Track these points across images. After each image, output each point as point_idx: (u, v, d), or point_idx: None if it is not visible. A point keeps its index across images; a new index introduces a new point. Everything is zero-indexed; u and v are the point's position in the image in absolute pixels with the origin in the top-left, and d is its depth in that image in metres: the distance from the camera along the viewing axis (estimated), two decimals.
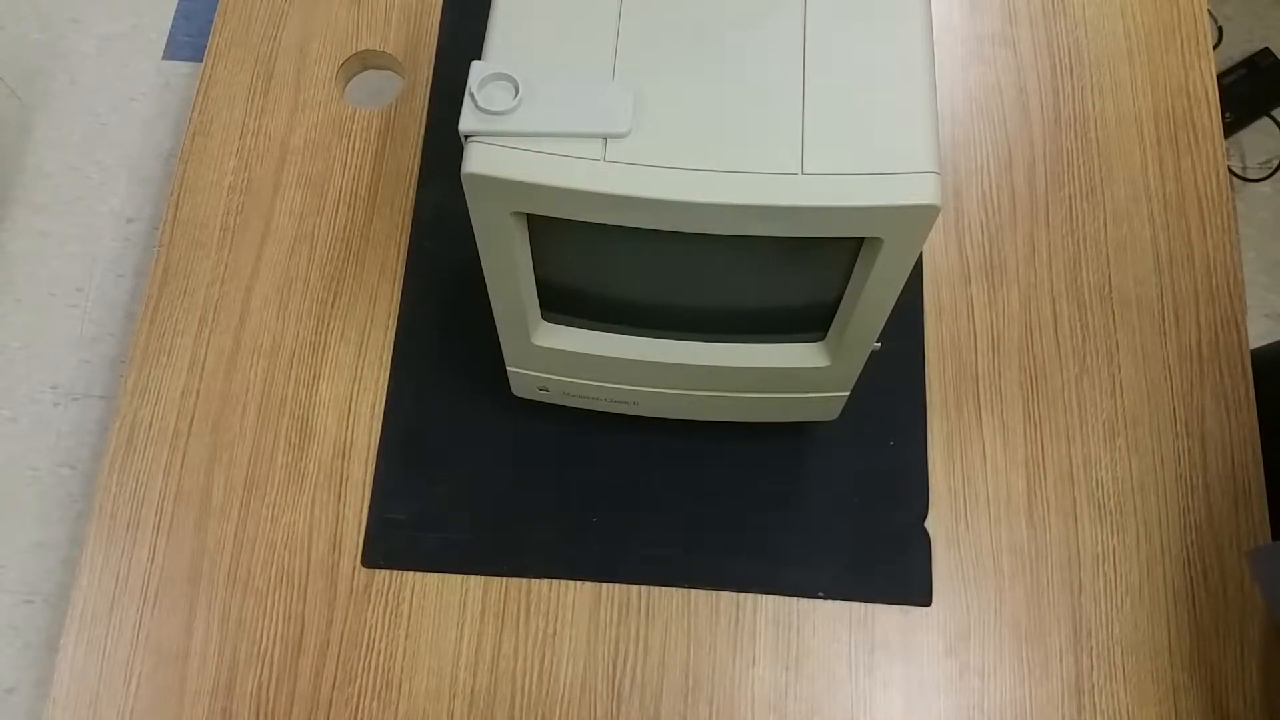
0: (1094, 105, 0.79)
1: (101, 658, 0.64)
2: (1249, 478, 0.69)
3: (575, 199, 0.43)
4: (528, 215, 0.47)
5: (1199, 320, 0.73)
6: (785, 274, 0.51)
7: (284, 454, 0.69)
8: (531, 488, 0.68)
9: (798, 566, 0.66)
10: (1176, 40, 0.81)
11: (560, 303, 0.55)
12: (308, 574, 0.66)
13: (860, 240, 0.47)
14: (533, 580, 0.66)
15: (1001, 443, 0.70)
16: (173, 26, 1.59)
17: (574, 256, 0.51)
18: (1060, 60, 0.80)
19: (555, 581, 0.66)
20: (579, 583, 0.66)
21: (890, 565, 0.67)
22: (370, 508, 0.67)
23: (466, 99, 0.43)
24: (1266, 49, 1.56)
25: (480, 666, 0.64)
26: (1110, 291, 0.74)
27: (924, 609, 0.66)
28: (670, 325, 0.56)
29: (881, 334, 0.54)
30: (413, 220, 0.74)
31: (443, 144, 0.77)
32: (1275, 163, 1.51)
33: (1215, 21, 1.58)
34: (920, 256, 0.74)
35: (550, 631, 0.65)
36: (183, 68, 1.56)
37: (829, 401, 0.62)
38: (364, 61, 0.81)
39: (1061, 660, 0.65)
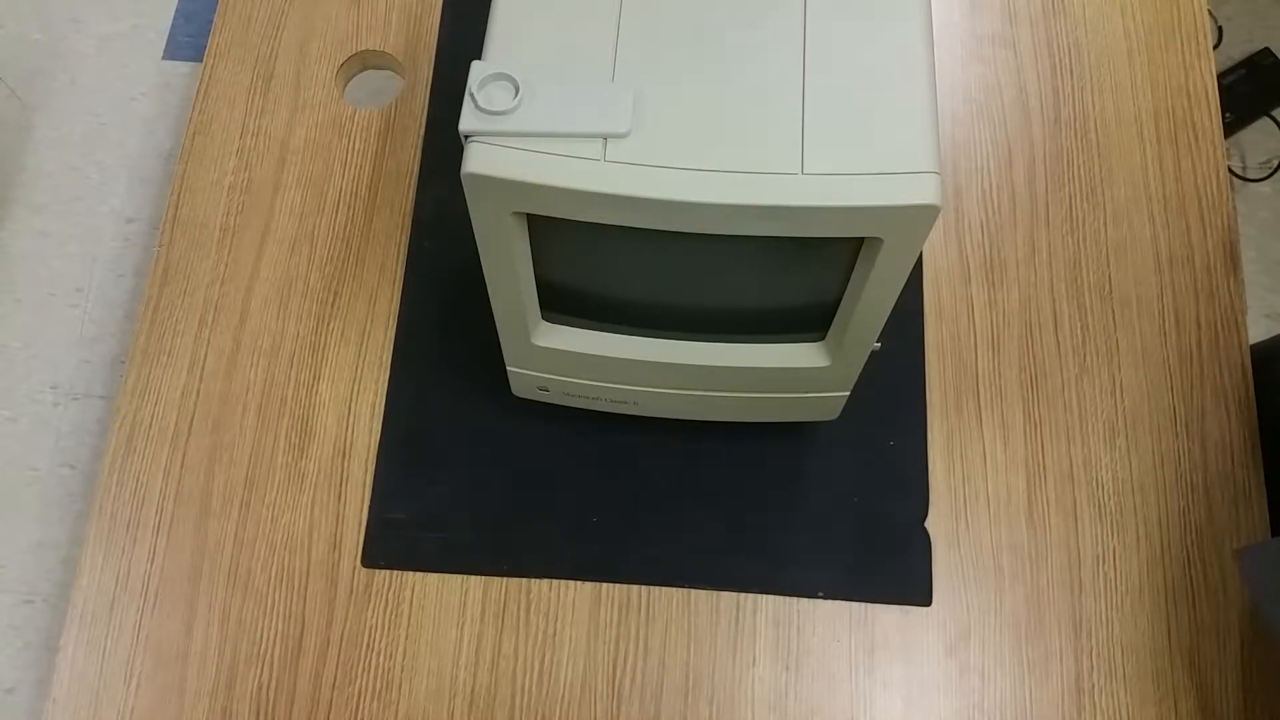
0: (1094, 105, 0.79)
1: (101, 658, 0.64)
2: (1249, 478, 0.69)
3: (575, 199, 0.43)
4: (528, 215, 0.47)
5: (1199, 320, 0.73)
6: (785, 274, 0.51)
7: (284, 454, 0.69)
8: (531, 488, 0.68)
9: (798, 566, 0.66)
10: (1176, 40, 0.81)
11: (560, 303, 0.55)
12: (308, 574, 0.66)
13: (860, 240, 0.47)
14: (533, 580, 0.66)
15: (1001, 443, 0.70)
16: (173, 26, 1.59)
17: (574, 257, 0.51)
18: (1060, 60, 0.80)
19: (555, 581, 0.66)
20: (579, 583, 0.66)
21: (890, 565, 0.67)
22: (370, 508, 0.67)
23: (466, 99, 0.43)
24: (1266, 49, 1.56)
25: (480, 666, 0.64)
26: (1110, 291, 0.74)
27: (924, 609, 0.66)
28: (670, 325, 0.56)
29: (881, 334, 0.54)
30: (413, 220, 0.74)
31: (443, 144, 0.77)
32: (1275, 163, 1.51)
33: (1215, 21, 1.58)
34: (920, 256, 0.74)
35: (550, 631, 0.65)
36: (183, 68, 1.56)
37: (829, 401, 0.62)
38: (364, 61, 0.81)
39: (1061, 660, 0.65)
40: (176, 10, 1.59)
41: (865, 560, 0.67)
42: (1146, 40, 0.81)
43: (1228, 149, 1.50)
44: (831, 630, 0.65)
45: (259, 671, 0.64)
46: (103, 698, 0.63)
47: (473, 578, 0.66)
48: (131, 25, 1.58)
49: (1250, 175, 1.51)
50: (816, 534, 0.67)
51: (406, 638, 0.65)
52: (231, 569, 0.66)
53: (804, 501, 0.68)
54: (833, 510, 0.68)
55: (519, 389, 0.64)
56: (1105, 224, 0.76)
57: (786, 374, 0.58)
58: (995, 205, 0.76)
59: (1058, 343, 0.72)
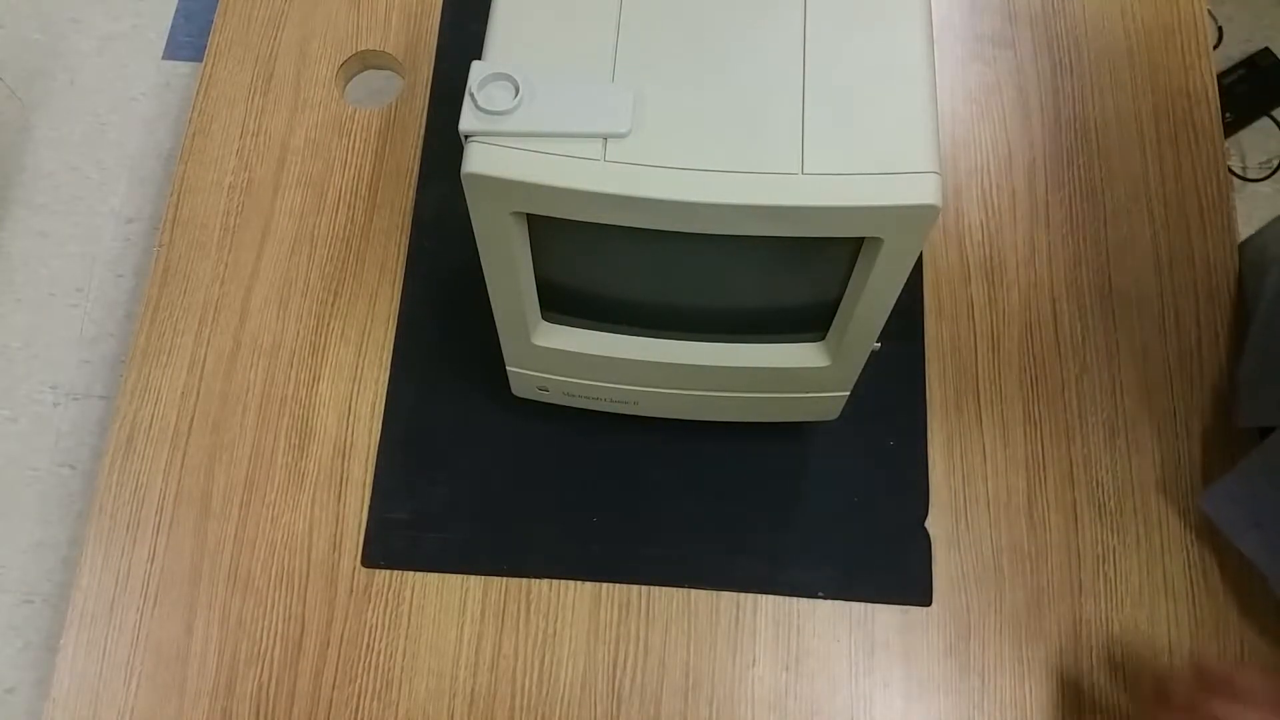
0: (1094, 105, 0.79)
1: (101, 658, 0.64)
2: None
3: (575, 199, 0.43)
4: (528, 215, 0.47)
5: (1199, 320, 0.73)
6: (785, 274, 0.51)
7: (284, 454, 0.69)
8: (531, 488, 0.68)
9: (798, 566, 0.66)
10: (1176, 40, 0.81)
11: (560, 303, 0.55)
12: (308, 574, 0.66)
13: (860, 240, 0.47)
14: (533, 580, 0.66)
15: (1001, 443, 0.70)
16: (173, 26, 1.59)
17: (574, 256, 0.51)
18: (1060, 60, 0.80)
19: (555, 581, 0.66)
20: (579, 583, 0.66)
21: (890, 565, 0.67)
22: (370, 508, 0.67)
23: (466, 99, 0.43)
24: (1266, 49, 1.56)
25: (480, 666, 0.64)
26: (1110, 291, 0.74)
27: (924, 609, 0.66)
28: (670, 325, 0.56)
29: (881, 334, 0.54)
30: (413, 220, 0.74)
31: (443, 144, 0.76)
32: (1275, 163, 1.51)
33: (1215, 21, 1.58)
34: (920, 256, 0.74)
35: (550, 631, 0.65)
36: (183, 68, 1.56)
37: (829, 401, 0.62)
38: (364, 61, 0.81)
39: (1061, 660, 0.65)
40: (176, 10, 1.59)
41: (865, 560, 0.67)
42: (1146, 40, 0.81)
43: (1228, 149, 1.50)
44: (831, 630, 0.65)
45: (259, 671, 0.64)
46: (103, 698, 0.63)
47: (473, 578, 0.66)
48: (131, 25, 1.58)
49: (1250, 175, 1.51)
50: (816, 534, 0.67)
51: (406, 637, 0.65)
52: (231, 569, 0.66)
53: (804, 501, 0.68)
54: (833, 510, 0.68)
55: (519, 389, 0.64)
56: (1105, 224, 0.76)
57: (786, 374, 0.58)
58: (995, 205, 0.76)
59: (1058, 343, 0.72)
